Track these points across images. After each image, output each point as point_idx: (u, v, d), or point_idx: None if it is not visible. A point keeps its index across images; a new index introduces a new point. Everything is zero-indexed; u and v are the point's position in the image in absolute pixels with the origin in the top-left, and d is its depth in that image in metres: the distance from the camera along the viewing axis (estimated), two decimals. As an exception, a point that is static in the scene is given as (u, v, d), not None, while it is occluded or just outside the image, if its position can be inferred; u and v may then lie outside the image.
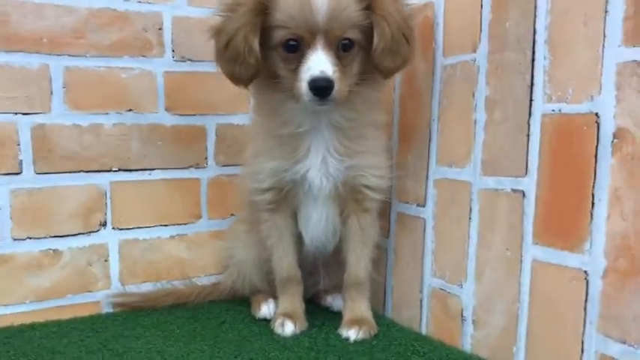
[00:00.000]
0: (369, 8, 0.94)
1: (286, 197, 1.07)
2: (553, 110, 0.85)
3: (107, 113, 1.22)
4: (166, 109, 1.28)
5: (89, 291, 1.23)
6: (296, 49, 0.94)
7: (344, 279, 1.11)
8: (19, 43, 1.13)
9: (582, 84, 0.81)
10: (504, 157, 0.94)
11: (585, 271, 0.81)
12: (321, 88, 0.91)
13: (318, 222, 1.08)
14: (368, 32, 0.96)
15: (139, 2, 1.23)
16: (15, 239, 1.15)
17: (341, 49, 0.94)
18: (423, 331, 1.13)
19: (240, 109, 1.36)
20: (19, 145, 1.14)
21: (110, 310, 1.24)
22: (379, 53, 0.95)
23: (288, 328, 1.08)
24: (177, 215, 1.32)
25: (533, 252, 0.89)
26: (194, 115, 1.32)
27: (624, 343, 0.76)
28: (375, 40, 0.95)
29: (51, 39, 1.15)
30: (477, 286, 1.00)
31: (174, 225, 1.32)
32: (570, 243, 0.83)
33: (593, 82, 0.79)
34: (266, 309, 1.17)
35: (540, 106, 0.88)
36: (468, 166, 1.01)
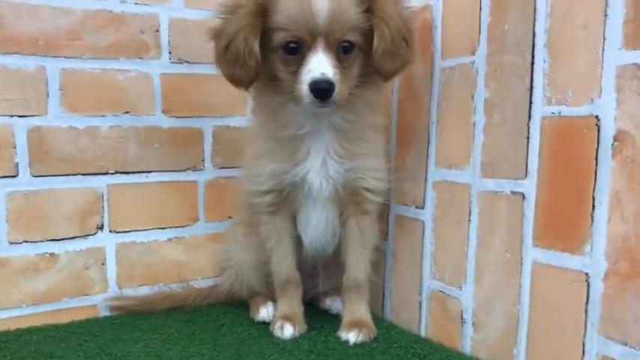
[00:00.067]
0: (369, 11, 0.94)
1: (286, 200, 1.07)
2: (553, 113, 0.86)
3: (104, 115, 1.21)
4: (163, 112, 1.28)
5: (86, 294, 1.22)
6: (296, 51, 0.94)
7: (343, 281, 1.11)
8: (14, 44, 1.12)
9: (582, 87, 0.81)
10: (503, 160, 0.94)
11: (586, 274, 0.81)
12: (321, 90, 0.91)
13: (317, 224, 1.08)
14: (368, 35, 0.96)
15: (136, 4, 1.23)
16: (11, 243, 1.14)
17: (341, 51, 0.94)
18: (423, 334, 1.13)
19: (237, 112, 1.36)
20: (15, 147, 1.13)
21: (107, 313, 1.23)
22: (379, 56, 0.95)
23: (287, 331, 1.08)
24: (174, 218, 1.31)
25: (533, 254, 0.89)
26: (191, 117, 1.31)
27: (625, 345, 0.76)
28: (375, 42, 0.95)
29: (47, 41, 1.14)
30: (477, 289, 1.00)
31: (171, 228, 1.31)
32: (571, 245, 0.83)
33: (593, 85, 0.80)
34: (265, 312, 1.17)
35: (540, 109, 0.88)
36: (468, 168, 1.01)
